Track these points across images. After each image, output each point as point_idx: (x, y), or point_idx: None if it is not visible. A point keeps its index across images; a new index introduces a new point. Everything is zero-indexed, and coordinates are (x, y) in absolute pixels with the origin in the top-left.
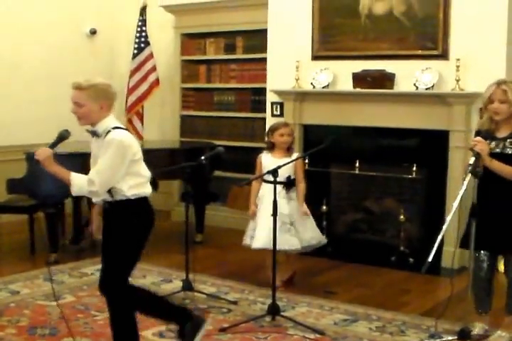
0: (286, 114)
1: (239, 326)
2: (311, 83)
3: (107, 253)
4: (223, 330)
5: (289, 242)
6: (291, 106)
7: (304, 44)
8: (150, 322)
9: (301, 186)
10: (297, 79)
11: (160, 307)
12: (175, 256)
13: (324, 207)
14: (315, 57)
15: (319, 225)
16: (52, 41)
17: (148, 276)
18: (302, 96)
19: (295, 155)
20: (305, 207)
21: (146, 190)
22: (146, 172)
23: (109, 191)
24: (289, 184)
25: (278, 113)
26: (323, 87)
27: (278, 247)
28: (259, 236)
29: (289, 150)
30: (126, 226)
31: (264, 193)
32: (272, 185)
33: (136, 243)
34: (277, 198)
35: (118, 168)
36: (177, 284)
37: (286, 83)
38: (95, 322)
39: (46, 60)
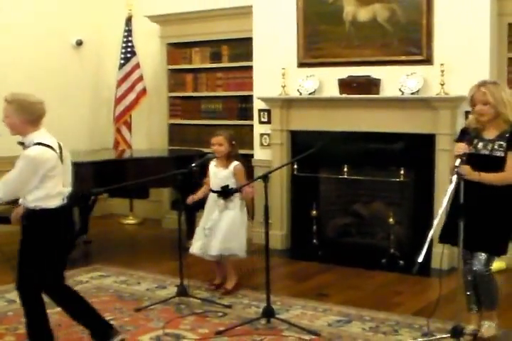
0: (274, 120)
1: (235, 329)
2: (298, 90)
3: (19, 255)
4: (220, 333)
5: (200, 247)
6: (279, 113)
7: (289, 51)
8: (148, 327)
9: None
10: (283, 86)
11: (86, 311)
12: (168, 262)
13: (314, 212)
14: (301, 64)
15: (309, 229)
16: (39, 52)
17: (143, 283)
18: (289, 103)
19: (232, 166)
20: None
21: (53, 202)
22: (60, 188)
23: (24, 198)
24: (226, 193)
25: (265, 120)
26: (309, 94)
27: (195, 251)
28: (195, 242)
29: (228, 159)
30: (30, 235)
31: (208, 202)
32: (214, 195)
33: (38, 250)
34: (214, 206)
35: (25, 181)
36: (171, 290)
37: (273, 90)
38: None
39: (33, 71)
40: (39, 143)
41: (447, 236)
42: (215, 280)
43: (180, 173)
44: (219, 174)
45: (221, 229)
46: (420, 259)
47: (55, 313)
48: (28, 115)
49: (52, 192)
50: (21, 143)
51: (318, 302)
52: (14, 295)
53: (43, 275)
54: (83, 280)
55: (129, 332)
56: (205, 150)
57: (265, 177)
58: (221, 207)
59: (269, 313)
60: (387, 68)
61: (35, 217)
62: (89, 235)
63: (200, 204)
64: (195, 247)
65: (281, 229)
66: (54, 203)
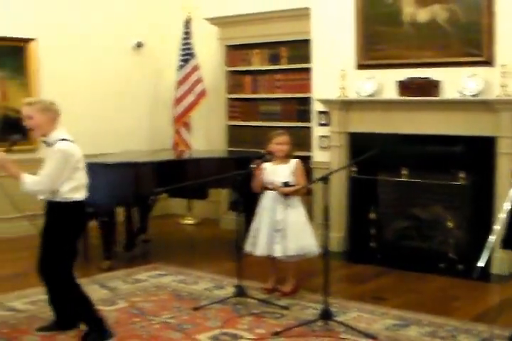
0: (333, 122)
1: (292, 330)
2: (356, 92)
3: (43, 244)
4: (277, 334)
5: (272, 249)
6: (337, 115)
7: (347, 53)
8: (206, 326)
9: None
10: (342, 88)
11: (87, 308)
12: (225, 263)
13: (372, 214)
14: (359, 66)
15: (367, 232)
16: (99, 55)
17: (201, 283)
18: (348, 105)
19: (293, 162)
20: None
21: (81, 195)
22: (85, 179)
23: (52, 192)
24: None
25: (324, 122)
26: (368, 96)
27: (261, 252)
28: (259, 243)
29: (286, 158)
30: (60, 225)
31: (265, 200)
32: (272, 192)
33: (65, 239)
34: (274, 205)
35: (61, 173)
36: (229, 290)
37: (332, 92)
38: (151, 326)
39: (93, 73)
40: (63, 139)
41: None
42: (267, 285)
43: (239, 174)
44: (278, 170)
45: (291, 229)
46: (481, 264)
47: (113, 310)
48: (51, 114)
49: (81, 182)
50: (45, 142)
51: (376, 305)
52: None
53: (67, 263)
54: (142, 278)
55: (187, 331)
56: (263, 151)
57: (325, 179)
58: (284, 206)
59: (326, 315)
60: (447, 70)
61: (65, 209)
62: (149, 234)
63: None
64: (259, 248)
65: (339, 231)
66: (82, 195)
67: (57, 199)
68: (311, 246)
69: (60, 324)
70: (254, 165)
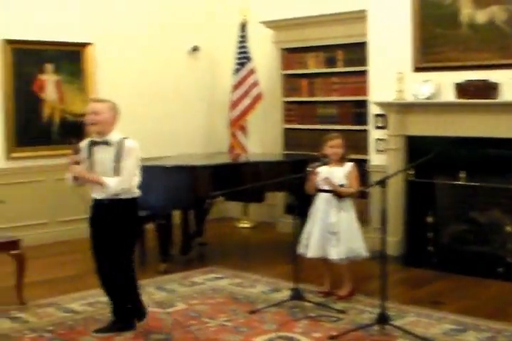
0: (390, 125)
1: (348, 334)
2: (414, 94)
3: (111, 242)
4: (333, 338)
5: (326, 252)
6: (394, 118)
7: (404, 55)
8: (262, 330)
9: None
10: (399, 91)
11: (134, 294)
12: (281, 266)
13: (429, 218)
14: (416, 69)
15: (424, 236)
16: (156, 59)
17: (257, 285)
18: (405, 108)
19: (348, 166)
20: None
21: (137, 191)
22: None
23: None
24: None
25: (381, 125)
26: (425, 98)
27: (313, 254)
28: (312, 245)
29: (341, 161)
30: (127, 220)
31: (319, 203)
32: (325, 195)
33: (132, 234)
34: (327, 207)
35: (136, 170)
36: (285, 293)
37: (388, 95)
38: (208, 329)
39: (150, 77)
40: (124, 138)
41: None
42: (323, 288)
43: (297, 177)
44: (333, 173)
45: (345, 232)
46: None
47: (170, 313)
48: (116, 113)
49: (138, 179)
50: (104, 142)
51: (433, 309)
52: None
53: (132, 256)
54: (198, 281)
55: (243, 334)
56: (319, 154)
57: (383, 183)
58: (337, 209)
59: (383, 319)
60: (506, 72)
61: (130, 205)
62: (205, 238)
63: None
64: (311, 250)
65: (395, 235)
66: (137, 192)
67: (122, 196)
68: (361, 249)
69: (118, 325)
70: (311, 169)
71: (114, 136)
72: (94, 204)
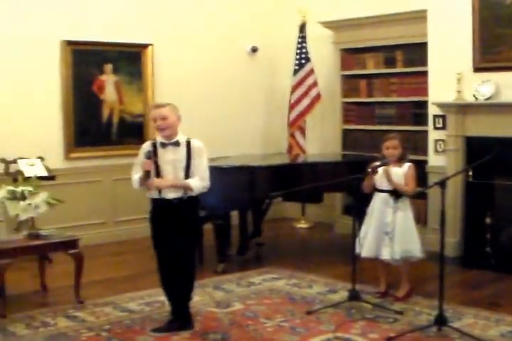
0: (449, 126)
1: (405, 335)
2: (474, 95)
3: (177, 240)
4: (390, 339)
5: (380, 251)
6: (454, 119)
7: (464, 56)
8: (319, 330)
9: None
10: (459, 92)
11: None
12: (339, 267)
13: (488, 219)
14: (476, 69)
15: (483, 237)
16: (215, 60)
17: (315, 286)
18: (465, 109)
19: (405, 166)
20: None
21: None
22: None
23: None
24: (398, 193)
25: (440, 126)
26: (486, 99)
27: (370, 254)
28: (366, 245)
29: (399, 161)
30: (195, 217)
31: (376, 202)
32: (383, 195)
33: (199, 230)
34: (384, 207)
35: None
36: (342, 294)
37: (448, 96)
38: (264, 329)
39: (209, 78)
40: (190, 138)
41: None
42: (379, 288)
43: (356, 178)
44: (391, 173)
45: (400, 232)
46: None
47: (228, 313)
48: (179, 115)
49: None
50: (174, 143)
51: (491, 311)
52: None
53: (193, 255)
54: (255, 281)
55: (300, 334)
56: (378, 155)
57: (442, 184)
58: (393, 209)
59: (441, 321)
60: None
61: (197, 201)
62: (262, 238)
63: None
64: (366, 250)
65: (454, 236)
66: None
67: (190, 194)
68: (416, 250)
69: (176, 324)
70: (370, 169)
71: (181, 137)
72: (161, 203)
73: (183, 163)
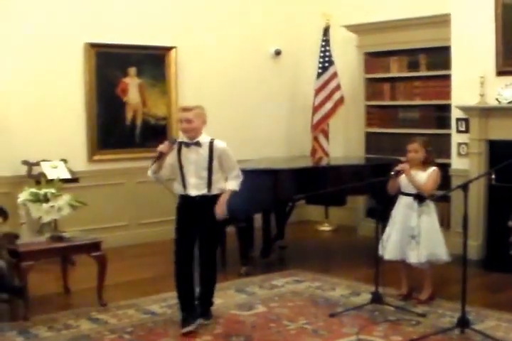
0: (472, 129)
1: (428, 338)
2: (497, 99)
3: (206, 232)
4: None
5: (406, 255)
6: (477, 122)
7: (487, 59)
8: (341, 333)
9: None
10: (482, 95)
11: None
12: (362, 269)
13: (511, 223)
14: (499, 73)
15: (505, 240)
16: (239, 62)
17: (337, 289)
18: (488, 112)
19: (430, 169)
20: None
21: None
22: None
23: (210, 186)
24: (422, 197)
25: (463, 129)
26: (508, 103)
27: (393, 257)
28: (389, 247)
29: (424, 165)
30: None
31: (400, 206)
32: (407, 198)
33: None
34: (408, 211)
35: None
36: (365, 297)
37: (471, 99)
38: (287, 332)
39: (233, 80)
40: (213, 139)
41: None
42: (401, 290)
43: (380, 181)
44: (416, 177)
45: (425, 236)
46: None
47: (251, 315)
48: (205, 117)
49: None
50: (196, 143)
51: None
52: None
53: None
54: (278, 284)
55: (323, 337)
56: (402, 158)
57: (465, 187)
58: (418, 212)
59: (464, 323)
60: None
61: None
62: (285, 241)
63: None
64: (389, 252)
65: (477, 239)
66: None
67: (215, 191)
68: (442, 253)
69: (199, 311)
70: (394, 172)
71: (205, 138)
72: (186, 200)
73: (205, 163)
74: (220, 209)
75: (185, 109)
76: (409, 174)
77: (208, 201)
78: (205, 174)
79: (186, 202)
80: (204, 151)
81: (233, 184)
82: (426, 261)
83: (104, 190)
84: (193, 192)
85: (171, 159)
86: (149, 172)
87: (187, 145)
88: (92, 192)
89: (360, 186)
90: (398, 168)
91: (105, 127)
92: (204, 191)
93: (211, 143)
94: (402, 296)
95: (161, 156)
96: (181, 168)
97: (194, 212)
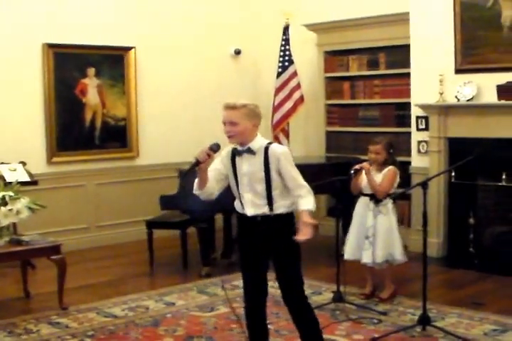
0: (432, 127)
1: (390, 336)
2: (456, 96)
3: (281, 265)
4: (375, 340)
5: (359, 254)
6: (436, 120)
7: (446, 58)
8: None
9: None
10: (441, 93)
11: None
12: (323, 269)
13: (471, 220)
14: (458, 71)
15: (466, 237)
16: (197, 62)
17: None
18: (447, 110)
19: (386, 169)
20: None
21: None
22: None
23: (271, 203)
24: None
25: (423, 127)
26: (467, 100)
27: (351, 257)
28: (347, 247)
29: (383, 166)
30: (289, 236)
31: (359, 206)
32: (365, 198)
33: (297, 250)
34: (365, 211)
35: None
36: (327, 296)
37: (430, 97)
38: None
39: (192, 80)
40: (270, 143)
41: None
42: (365, 290)
43: (339, 180)
44: (374, 178)
45: (381, 236)
46: None
47: (212, 316)
48: (258, 119)
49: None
50: (247, 150)
51: (474, 310)
52: (173, 298)
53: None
54: (240, 285)
55: (285, 337)
56: (362, 157)
57: (424, 185)
58: (374, 212)
59: (425, 321)
60: None
61: (289, 217)
62: None
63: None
64: (347, 252)
65: (437, 236)
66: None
67: (279, 210)
68: (398, 254)
69: None
70: (353, 171)
71: (257, 142)
72: (245, 221)
73: (261, 175)
74: (304, 234)
75: (229, 107)
76: (369, 173)
77: (274, 222)
78: (261, 188)
79: (244, 224)
80: (258, 159)
81: (307, 202)
82: (383, 261)
83: (63, 193)
84: (249, 211)
85: (225, 169)
86: (194, 189)
87: (238, 152)
88: (51, 195)
89: (320, 185)
90: (357, 166)
91: (64, 129)
92: (265, 209)
93: (266, 149)
94: (365, 295)
95: (197, 164)
96: (236, 180)
97: (255, 237)
